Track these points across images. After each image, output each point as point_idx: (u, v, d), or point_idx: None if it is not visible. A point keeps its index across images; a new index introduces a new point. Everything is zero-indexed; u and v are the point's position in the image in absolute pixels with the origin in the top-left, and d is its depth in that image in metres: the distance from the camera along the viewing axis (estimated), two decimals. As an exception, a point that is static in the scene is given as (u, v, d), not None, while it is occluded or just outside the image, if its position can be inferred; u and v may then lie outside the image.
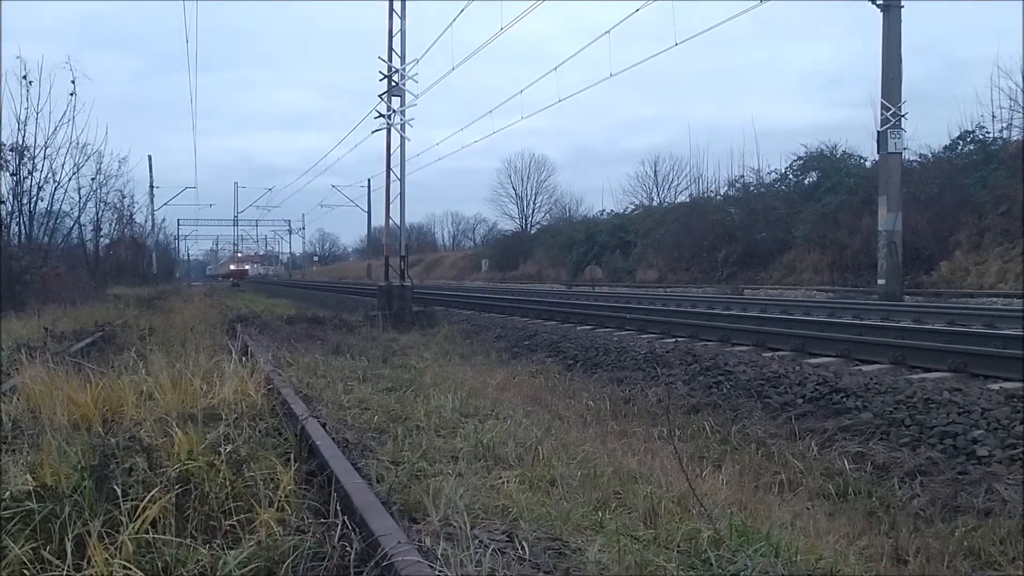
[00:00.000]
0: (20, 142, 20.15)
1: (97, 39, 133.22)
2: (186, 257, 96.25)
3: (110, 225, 36.68)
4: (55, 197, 22.55)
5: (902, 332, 9.17)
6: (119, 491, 2.98)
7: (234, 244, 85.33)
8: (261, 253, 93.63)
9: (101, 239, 35.34)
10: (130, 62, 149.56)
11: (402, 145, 17.34)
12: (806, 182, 30.23)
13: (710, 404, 6.68)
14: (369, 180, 58.91)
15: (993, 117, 24.60)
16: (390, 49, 17.10)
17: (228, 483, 3.20)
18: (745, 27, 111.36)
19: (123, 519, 2.77)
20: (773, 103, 79.92)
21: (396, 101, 17.19)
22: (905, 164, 20.60)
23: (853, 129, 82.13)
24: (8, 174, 20.21)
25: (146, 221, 51.60)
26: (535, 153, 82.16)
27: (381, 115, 17.42)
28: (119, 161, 31.24)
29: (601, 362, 9.13)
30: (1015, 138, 23.55)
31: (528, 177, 67.85)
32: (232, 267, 79.83)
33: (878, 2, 17.64)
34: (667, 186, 51.52)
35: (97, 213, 32.25)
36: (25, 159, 20.42)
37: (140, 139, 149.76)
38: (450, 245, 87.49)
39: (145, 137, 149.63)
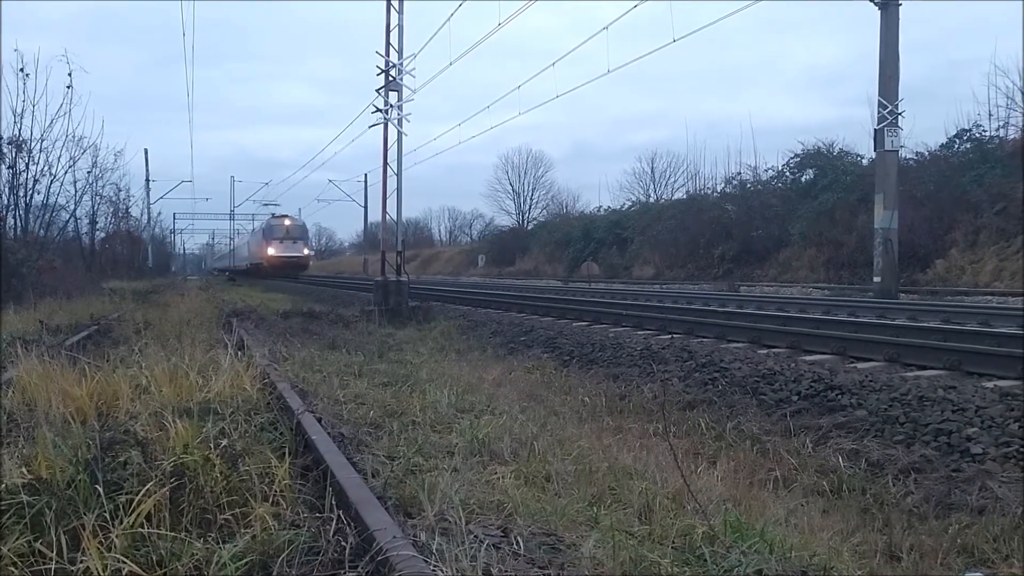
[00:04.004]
0: (17, 135, 20.13)
1: (96, 34, 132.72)
2: (182, 251, 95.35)
3: (106, 218, 36.74)
4: (51, 190, 22.58)
5: (897, 330, 9.19)
6: (114, 485, 2.98)
7: (257, 217, 56.87)
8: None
9: (97, 232, 35.36)
10: (130, 56, 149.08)
11: (399, 140, 17.33)
12: (803, 179, 30.31)
13: (705, 401, 6.69)
14: (366, 175, 58.28)
15: (990, 115, 24.73)
16: (388, 44, 17.07)
17: (223, 477, 3.20)
18: (743, 24, 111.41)
19: (118, 513, 2.77)
20: (771, 100, 79.99)
21: (393, 96, 17.16)
22: (902, 162, 20.64)
23: (850, 127, 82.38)
24: (5, 167, 20.19)
25: (142, 215, 51.47)
26: (533, 149, 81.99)
27: (378, 110, 17.38)
28: (115, 154, 31.29)
29: (597, 358, 9.13)
30: (1012, 136, 23.64)
31: (525, 173, 67.88)
32: (271, 251, 47.37)
33: (876, 0, 17.66)
34: (664, 183, 51.65)
35: (93, 206, 32.32)
36: (22, 152, 20.40)
37: (139, 133, 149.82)
38: (447, 240, 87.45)
39: (143, 131, 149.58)
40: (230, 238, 73.76)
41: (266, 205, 56.69)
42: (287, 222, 49.73)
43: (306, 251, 48.98)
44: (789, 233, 27.80)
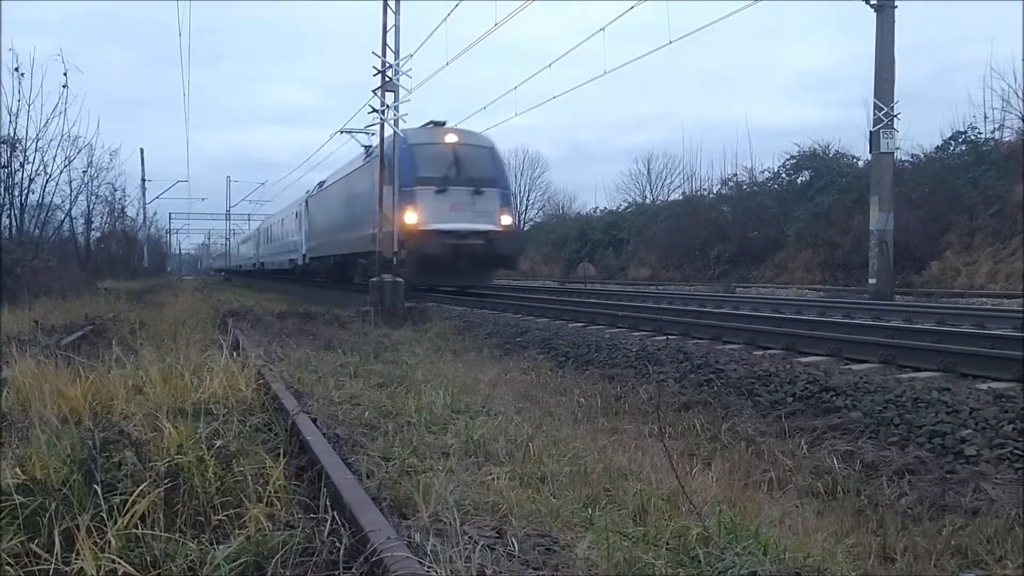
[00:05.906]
0: (11, 134, 20.09)
1: (92, 34, 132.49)
2: (178, 251, 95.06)
3: (101, 218, 36.67)
4: (46, 190, 22.53)
5: (892, 331, 9.21)
6: (108, 485, 2.98)
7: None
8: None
9: (92, 232, 35.30)
10: (126, 56, 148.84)
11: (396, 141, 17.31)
12: (799, 181, 30.36)
13: (701, 402, 6.70)
14: (363, 175, 58.14)
15: (985, 118, 24.83)
16: (384, 44, 17.06)
17: (217, 478, 3.19)
18: (739, 26, 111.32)
19: (112, 513, 2.77)
20: (767, 102, 79.71)
21: (390, 96, 17.16)
22: (897, 164, 20.68)
23: (846, 129, 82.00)
24: None
25: (138, 214, 51.37)
26: (529, 150, 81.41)
27: (375, 110, 17.38)
28: (110, 154, 31.22)
29: (593, 359, 9.13)
30: (1007, 139, 23.73)
31: (522, 174, 67.57)
32: (420, 218, 18.48)
33: (872, 2, 17.70)
34: (660, 184, 51.56)
35: (88, 206, 32.23)
36: (16, 151, 20.36)
37: (135, 133, 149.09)
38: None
39: (139, 131, 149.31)
40: (227, 235, 71.24)
41: (344, 133, 27.16)
42: (453, 138, 20.38)
43: (504, 219, 19.38)
44: (785, 235, 27.86)
